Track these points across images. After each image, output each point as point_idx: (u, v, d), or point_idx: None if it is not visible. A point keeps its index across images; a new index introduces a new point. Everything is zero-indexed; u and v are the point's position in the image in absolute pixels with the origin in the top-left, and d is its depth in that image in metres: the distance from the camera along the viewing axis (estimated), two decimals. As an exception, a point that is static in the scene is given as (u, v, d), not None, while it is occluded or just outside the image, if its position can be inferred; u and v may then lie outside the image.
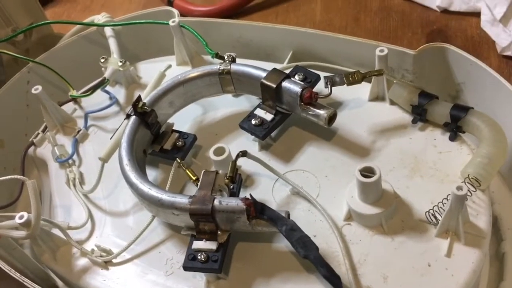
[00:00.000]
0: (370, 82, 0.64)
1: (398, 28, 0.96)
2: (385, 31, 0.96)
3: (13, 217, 0.55)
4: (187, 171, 0.56)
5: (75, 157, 0.69)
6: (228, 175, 0.54)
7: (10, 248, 0.61)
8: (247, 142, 0.65)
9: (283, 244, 0.54)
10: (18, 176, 0.55)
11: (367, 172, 0.52)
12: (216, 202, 0.51)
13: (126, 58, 0.75)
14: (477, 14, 0.91)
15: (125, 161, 0.57)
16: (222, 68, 0.63)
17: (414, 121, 0.61)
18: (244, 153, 0.56)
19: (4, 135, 0.78)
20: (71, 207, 0.64)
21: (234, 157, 0.57)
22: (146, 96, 0.64)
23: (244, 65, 0.63)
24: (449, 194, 0.52)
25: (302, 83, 0.60)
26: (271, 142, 0.64)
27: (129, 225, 0.61)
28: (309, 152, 0.62)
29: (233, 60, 0.65)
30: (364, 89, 0.65)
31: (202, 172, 0.54)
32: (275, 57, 0.77)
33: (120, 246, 0.58)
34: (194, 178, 0.56)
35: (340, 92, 0.65)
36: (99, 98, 0.74)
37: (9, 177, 0.56)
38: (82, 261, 0.58)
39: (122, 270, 0.57)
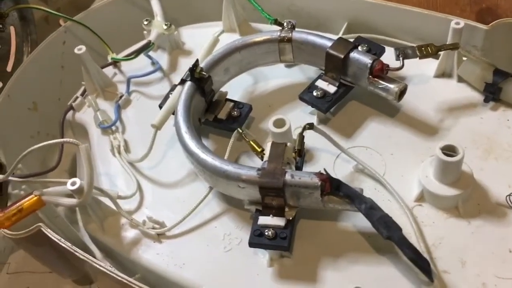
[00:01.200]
0: (437, 58, 0.60)
1: (445, 5, 0.91)
2: (431, 7, 0.92)
3: (61, 183, 0.52)
4: (251, 142, 0.53)
5: (117, 123, 0.65)
6: (296, 148, 0.51)
7: (52, 216, 0.58)
8: (303, 115, 0.61)
9: (349, 222, 0.52)
10: (71, 140, 0.51)
11: (448, 150, 0.49)
12: (288, 176, 0.47)
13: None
14: (530, -6, 0.87)
15: (184, 128, 0.53)
16: (283, 35, 0.59)
17: (486, 100, 0.58)
18: (311, 126, 0.53)
19: (37, 98, 0.73)
20: (116, 176, 0.61)
21: (292, 130, 0.53)
22: (201, 61, 0.60)
23: (307, 33, 0.59)
24: (531, 178, 0.49)
25: (371, 54, 0.56)
26: (330, 116, 0.60)
27: (179, 197, 0.57)
28: (371, 128, 0.59)
29: (293, 27, 0.61)
30: (429, 64, 0.62)
31: (270, 143, 0.51)
32: (328, 28, 0.72)
33: (171, 219, 0.54)
34: (259, 149, 0.52)
35: (404, 67, 0.61)
36: (139, 63, 0.70)
37: (61, 140, 0.52)
38: (132, 233, 0.55)
39: (177, 244, 0.53)
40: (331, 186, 0.47)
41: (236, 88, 0.64)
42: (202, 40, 0.69)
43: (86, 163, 0.50)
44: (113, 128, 0.64)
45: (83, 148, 0.50)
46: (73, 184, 0.50)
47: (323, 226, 0.52)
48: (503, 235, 0.49)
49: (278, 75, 0.66)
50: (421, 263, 0.43)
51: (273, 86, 0.65)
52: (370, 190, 0.54)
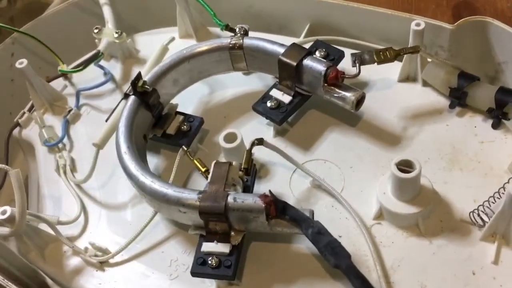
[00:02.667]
0: (400, 60, 0.57)
1: (420, 0, 0.87)
2: (405, 2, 0.88)
3: (-5, 212, 0.48)
4: (195, 161, 0.49)
5: (65, 140, 0.62)
6: (242, 166, 0.47)
7: (-8, 244, 0.54)
8: (260, 126, 0.58)
9: (303, 245, 0.48)
10: (1, 165, 0.47)
11: (404, 166, 0.45)
12: (230, 199, 0.44)
13: (122, 29, 0.67)
14: (508, -14, 0.83)
15: (124, 148, 0.50)
16: (234, 42, 0.56)
17: (451, 106, 0.54)
18: (260, 141, 0.49)
19: (-14, 113, 0.70)
20: (61, 198, 0.57)
21: (246, 144, 0.50)
22: (147, 73, 0.57)
23: (258, 39, 0.56)
24: (497, 192, 0.46)
25: (326, 61, 0.53)
26: (288, 127, 0.57)
27: (127, 220, 0.54)
28: (331, 139, 0.55)
29: (245, 33, 0.57)
30: (393, 68, 0.58)
31: (213, 163, 0.47)
32: (290, 30, 0.69)
33: (117, 244, 0.51)
34: (203, 169, 0.49)
35: (366, 71, 0.57)
36: (92, 74, 0.67)
37: (-11, 165, 0.49)
38: (75, 261, 0.52)
39: (120, 272, 0.50)
40: (276, 209, 0.43)
41: (189, 99, 0.61)
42: (157, 47, 0.66)
43: (17, 190, 0.46)
44: (60, 145, 0.60)
45: (13, 173, 0.46)
46: (3, 213, 0.47)
47: (276, 249, 0.48)
48: (466, 256, 0.45)
49: (235, 83, 0.62)
50: (370, 295, 0.40)
51: (229, 96, 0.62)
52: (326, 207, 0.50)
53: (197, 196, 0.45)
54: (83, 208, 0.55)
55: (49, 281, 0.56)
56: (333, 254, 0.41)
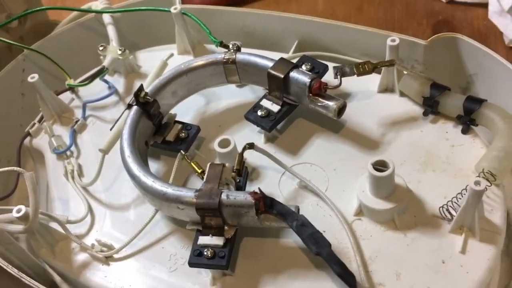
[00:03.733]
0: (379, 73, 0.62)
1: (402, 19, 0.94)
2: (389, 21, 0.94)
3: (9, 211, 0.53)
4: (192, 163, 0.54)
5: (73, 148, 0.66)
6: (235, 168, 0.52)
7: (6, 242, 0.58)
8: (252, 134, 0.63)
9: (291, 239, 0.53)
10: (16, 168, 0.52)
11: (380, 165, 0.50)
12: (223, 196, 0.49)
13: (125, 46, 0.72)
14: (484, 5, 0.89)
15: (127, 152, 0.55)
16: (227, 57, 0.61)
17: (425, 114, 0.59)
18: (251, 146, 0.54)
19: (-2, 125, 0.75)
20: (69, 200, 0.62)
21: (239, 149, 0.55)
22: (148, 85, 0.62)
23: (249, 54, 0.61)
24: (464, 189, 0.51)
25: (310, 73, 0.58)
26: (277, 134, 0.62)
27: (130, 219, 0.59)
28: (316, 144, 0.60)
29: (238, 49, 0.63)
30: (373, 80, 0.63)
31: (208, 164, 0.52)
32: (280, 46, 0.74)
33: (121, 241, 0.56)
34: (199, 171, 0.54)
35: (348, 83, 0.63)
36: (97, 88, 0.72)
37: (6, 168, 0.54)
38: (82, 256, 0.56)
39: (124, 266, 0.55)
40: (265, 205, 0.48)
41: (187, 110, 0.66)
42: (157, 63, 0.71)
43: (31, 190, 0.51)
44: (68, 153, 0.65)
45: (27, 176, 0.51)
46: (18, 211, 0.52)
47: (266, 243, 0.53)
48: (436, 246, 0.50)
49: (229, 95, 0.67)
50: (347, 278, 0.45)
51: (223, 106, 0.67)
52: (312, 206, 0.55)
53: (194, 194, 0.50)
54: (90, 208, 0.60)
55: (58, 279, 0.61)
56: (315, 244, 0.46)
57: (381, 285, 0.48)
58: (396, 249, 0.50)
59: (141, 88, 0.58)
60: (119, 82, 0.73)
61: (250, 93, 0.67)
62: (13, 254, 0.59)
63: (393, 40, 0.59)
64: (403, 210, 0.52)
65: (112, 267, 0.55)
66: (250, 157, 0.59)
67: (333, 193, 0.55)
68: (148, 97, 0.58)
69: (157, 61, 0.71)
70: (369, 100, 0.63)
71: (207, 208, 0.49)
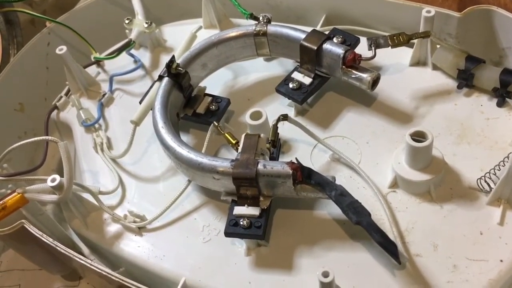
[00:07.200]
0: (411, 47, 0.61)
1: (428, -6, 0.92)
2: (414, -3, 0.92)
3: (42, 181, 0.53)
4: (226, 134, 0.54)
5: (101, 121, 0.66)
6: (270, 139, 0.52)
7: (37, 213, 0.58)
8: (281, 107, 0.62)
9: (325, 211, 0.52)
10: (50, 138, 0.52)
11: (417, 136, 0.49)
12: (260, 165, 0.48)
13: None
14: (511, -19, 0.87)
15: (161, 123, 0.54)
16: (258, 29, 0.60)
17: (459, 87, 0.58)
18: (285, 117, 0.54)
19: (23, 99, 0.75)
20: (99, 173, 0.62)
21: (270, 122, 0.54)
22: (178, 57, 0.61)
23: (281, 26, 0.60)
24: (502, 161, 0.50)
25: (344, 45, 0.57)
26: (307, 108, 0.61)
27: (160, 191, 0.58)
28: (348, 118, 0.60)
29: (268, 21, 0.62)
30: (404, 53, 0.62)
31: (243, 135, 0.52)
32: (307, 20, 0.73)
33: (152, 212, 0.56)
34: (234, 141, 0.53)
35: (379, 56, 0.61)
36: (122, 61, 0.71)
37: (40, 138, 0.53)
38: (114, 227, 0.56)
39: (157, 236, 0.55)
40: (302, 175, 0.48)
41: (216, 83, 0.65)
42: (183, 37, 0.70)
43: (65, 159, 0.51)
44: (96, 125, 0.65)
45: (61, 145, 0.51)
46: (53, 180, 0.52)
47: (299, 215, 0.53)
48: (474, 218, 0.49)
49: (257, 69, 0.67)
50: (388, 247, 0.44)
51: (252, 80, 0.66)
52: (345, 178, 0.55)
53: (230, 164, 0.49)
54: (120, 180, 0.60)
55: (86, 251, 0.61)
56: (355, 213, 0.45)
57: (418, 256, 0.48)
58: (432, 220, 0.50)
59: (172, 59, 0.58)
60: (144, 56, 0.72)
61: (279, 67, 0.66)
62: (43, 225, 0.59)
63: (428, 12, 0.58)
64: (439, 182, 0.52)
65: (145, 238, 0.55)
66: (281, 130, 0.58)
67: (366, 165, 0.55)
68: (179, 68, 0.58)
69: (183, 35, 0.70)
70: (401, 74, 0.62)
71: (244, 177, 0.48)
